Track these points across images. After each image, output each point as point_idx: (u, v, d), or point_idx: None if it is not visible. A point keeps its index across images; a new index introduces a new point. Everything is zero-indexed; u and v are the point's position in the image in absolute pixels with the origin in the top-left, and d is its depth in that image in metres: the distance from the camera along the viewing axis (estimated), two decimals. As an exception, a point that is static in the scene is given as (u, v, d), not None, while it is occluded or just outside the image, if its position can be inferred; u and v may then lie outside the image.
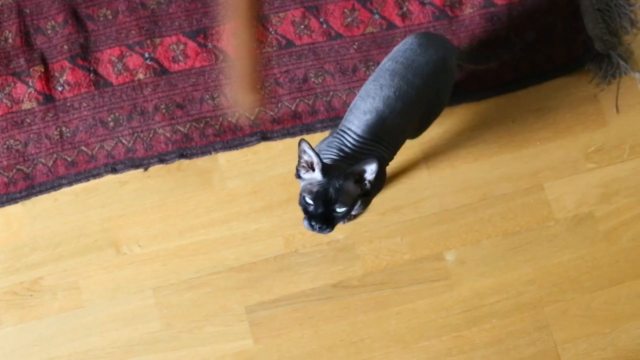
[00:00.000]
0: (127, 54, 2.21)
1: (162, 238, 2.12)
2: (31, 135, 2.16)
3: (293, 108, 2.19)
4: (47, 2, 2.23)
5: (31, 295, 2.08)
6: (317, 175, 1.61)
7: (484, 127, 2.21)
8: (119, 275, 2.09)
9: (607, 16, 2.28)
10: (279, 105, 2.19)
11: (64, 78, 2.19)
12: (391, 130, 1.75)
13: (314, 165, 1.62)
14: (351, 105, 1.80)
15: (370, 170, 1.61)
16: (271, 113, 2.19)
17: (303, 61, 2.21)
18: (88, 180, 2.14)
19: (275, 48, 2.21)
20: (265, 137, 2.17)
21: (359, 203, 1.71)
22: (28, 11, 2.23)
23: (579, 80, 2.25)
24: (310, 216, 1.61)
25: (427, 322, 2.09)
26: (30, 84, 2.18)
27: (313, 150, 1.59)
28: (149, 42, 2.21)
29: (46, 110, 2.17)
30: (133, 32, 2.22)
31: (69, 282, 2.09)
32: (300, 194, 1.63)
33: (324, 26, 2.23)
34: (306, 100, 2.19)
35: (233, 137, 2.17)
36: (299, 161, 1.64)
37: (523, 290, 2.11)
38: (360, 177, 1.63)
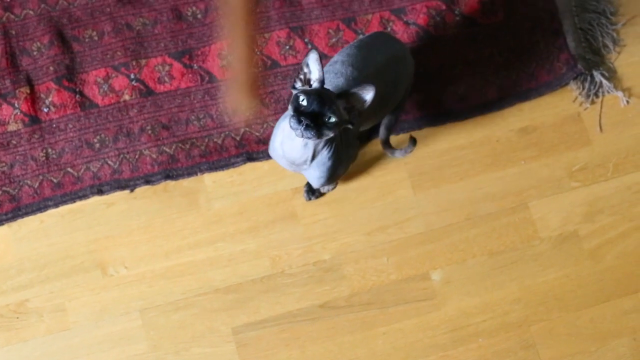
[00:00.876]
0: (113, 75, 2.21)
1: (148, 259, 2.11)
2: (17, 157, 2.15)
3: (278, 128, 2.19)
4: (33, 23, 2.23)
5: (17, 318, 2.07)
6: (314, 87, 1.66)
7: (468, 146, 2.22)
8: (106, 296, 2.09)
9: (589, 35, 2.30)
10: (265, 125, 2.19)
11: (50, 99, 2.19)
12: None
13: (312, 82, 1.66)
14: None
15: (365, 98, 1.64)
16: (257, 134, 2.19)
17: (288, 82, 2.21)
18: (74, 201, 2.14)
19: (260, 69, 2.22)
20: (250, 157, 2.17)
21: (331, 146, 1.74)
22: (14, 32, 2.23)
23: (562, 99, 2.26)
24: (300, 113, 1.61)
25: (414, 342, 2.09)
26: (16, 105, 2.18)
27: (320, 64, 1.63)
28: (134, 63, 2.21)
29: (32, 132, 2.17)
30: (119, 53, 2.22)
31: (55, 304, 2.08)
32: (294, 96, 1.64)
33: (309, 47, 2.24)
34: (291, 121, 2.20)
35: (219, 157, 2.17)
36: (298, 72, 1.67)
37: (509, 309, 2.12)
38: (352, 107, 1.66)
